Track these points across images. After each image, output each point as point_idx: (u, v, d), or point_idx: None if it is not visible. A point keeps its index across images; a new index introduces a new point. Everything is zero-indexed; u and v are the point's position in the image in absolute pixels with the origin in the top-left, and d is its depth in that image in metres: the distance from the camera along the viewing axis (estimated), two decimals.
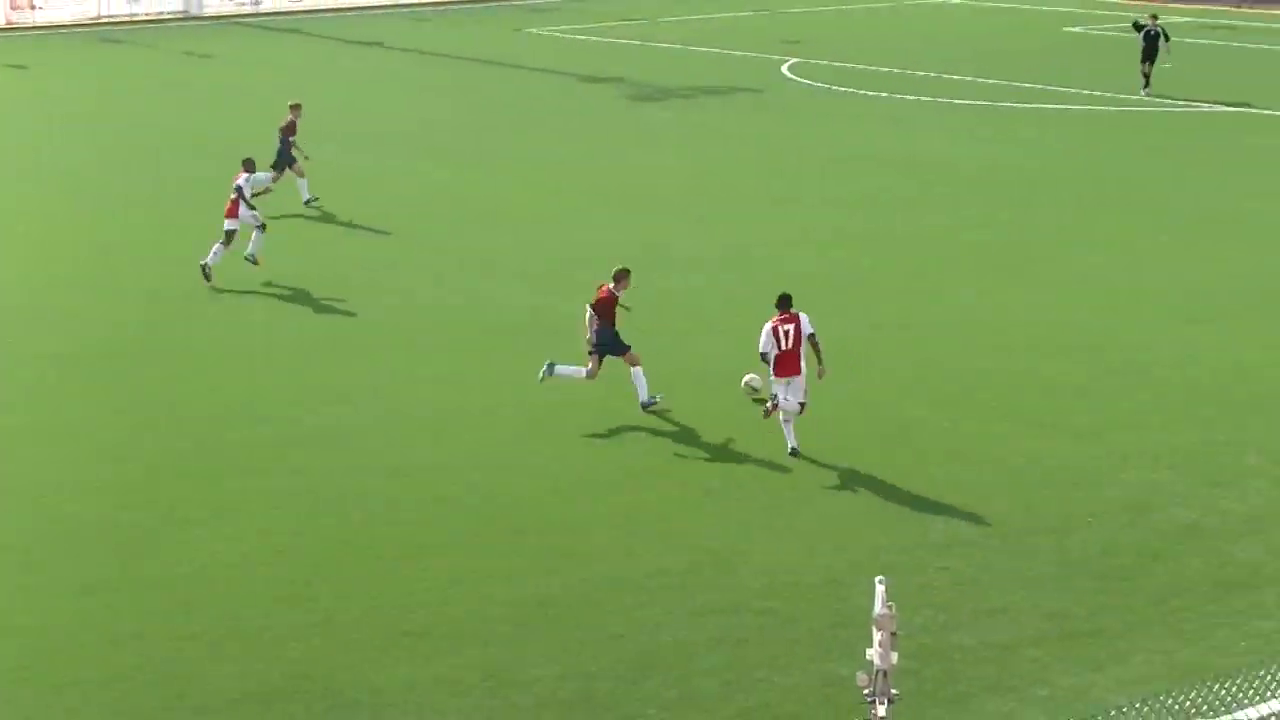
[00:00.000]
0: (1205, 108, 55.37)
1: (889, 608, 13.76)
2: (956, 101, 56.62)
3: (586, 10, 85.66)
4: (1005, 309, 32.24)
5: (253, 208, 35.00)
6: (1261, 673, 15.54)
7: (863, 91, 58.80)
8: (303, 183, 40.71)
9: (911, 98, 57.36)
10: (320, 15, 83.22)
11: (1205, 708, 15.64)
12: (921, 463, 24.62)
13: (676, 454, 25.15)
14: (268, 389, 28.39)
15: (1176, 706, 15.46)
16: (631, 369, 26.82)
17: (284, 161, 40.48)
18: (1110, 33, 76.42)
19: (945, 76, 61.97)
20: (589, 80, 61.50)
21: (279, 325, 32.08)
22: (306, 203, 40.64)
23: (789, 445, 24.95)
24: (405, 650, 19.15)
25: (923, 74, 62.57)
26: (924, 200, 41.68)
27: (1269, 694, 15.66)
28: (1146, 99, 56.47)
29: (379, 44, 72.75)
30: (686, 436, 25.83)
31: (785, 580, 20.66)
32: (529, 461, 24.91)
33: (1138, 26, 58.29)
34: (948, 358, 29.34)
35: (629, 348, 26.85)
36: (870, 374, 28.48)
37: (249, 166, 35.40)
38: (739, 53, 68.76)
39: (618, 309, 26.90)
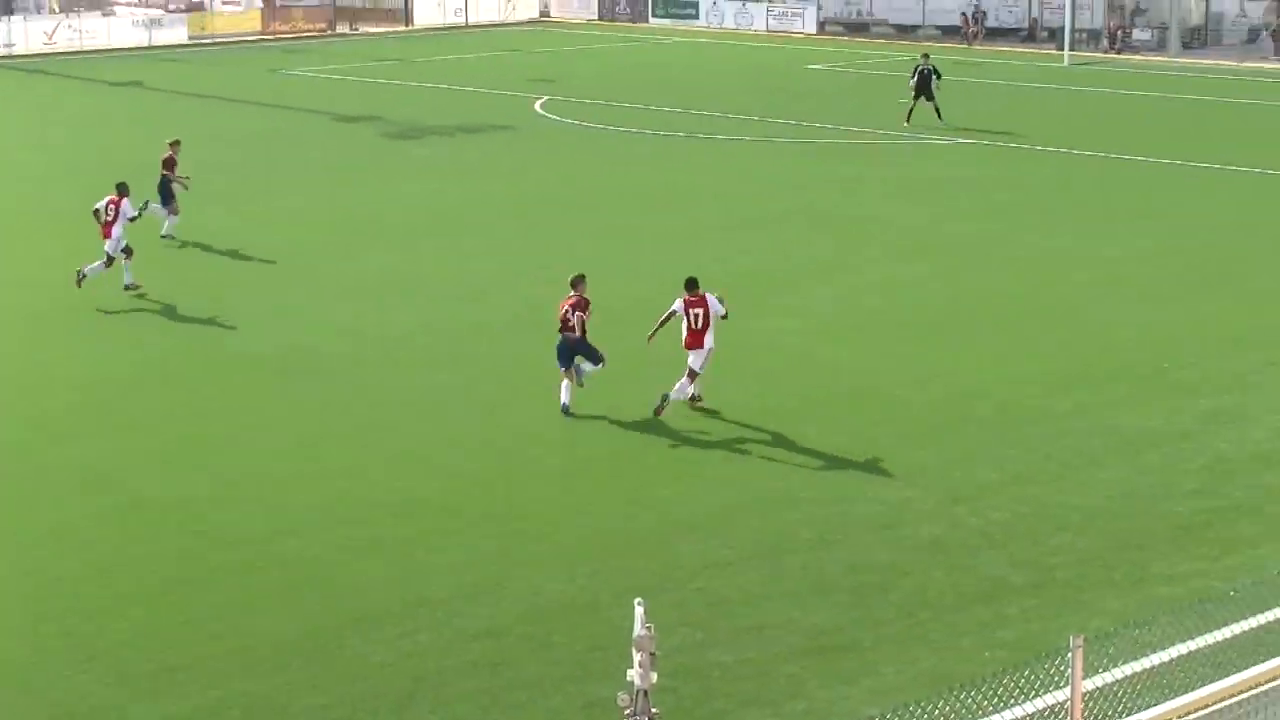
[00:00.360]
0: (948, 140, 56.31)
1: (648, 629, 13.70)
2: (711, 136, 57.06)
3: (342, 52, 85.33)
4: (744, 334, 32.29)
5: (134, 218, 35.78)
6: (1005, 679, 15.73)
7: (612, 127, 59.10)
8: (170, 218, 40.94)
9: (661, 133, 57.71)
10: (78, 57, 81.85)
11: (953, 715, 15.77)
12: (672, 487, 24.64)
13: (435, 483, 24.90)
14: (28, 422, 27.74)
15: (926, 715, 15.58)
16: (578, 368, 27.94)
17: (168, 195, 40.95)
18: (850, 70, 77.57)
19: (693, 112, 62.49)
20: (347, 120, 61.16)
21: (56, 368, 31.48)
22: (164, 236, 40.77)
23: (690, 394, 27.69)
24: (168, 684, 18.67)
25: (670, 109, 63.07)
26: (670, 232, 41.80)
27: (1011, 700, 15.84)
28: (890, 132, 57.41)
29: (139, 84, 71.75)
30: (444, 466, 25.63)
31: (546, 604, 20.54)
32: (288, 496, 24.48)
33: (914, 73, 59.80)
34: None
35: (593, 351, 28.08)
36: (617, 399, 28.52)
37: (124, 190, 35.69)
38: (494, 91, 68.83)
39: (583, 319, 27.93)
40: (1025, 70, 76.96)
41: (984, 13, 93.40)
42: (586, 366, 28.21)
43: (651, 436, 26.72)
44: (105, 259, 35.39)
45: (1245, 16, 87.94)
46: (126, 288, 35.69)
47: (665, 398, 27.62)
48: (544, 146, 55.47)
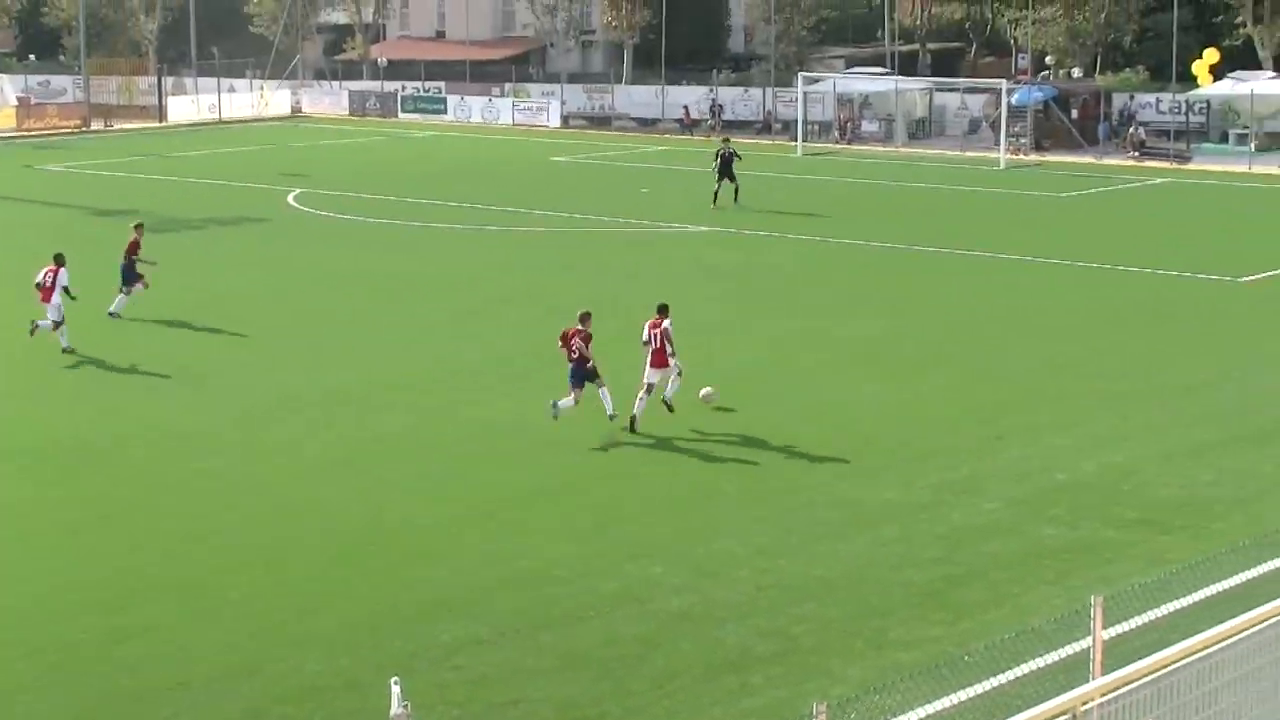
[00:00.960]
0: (683, 228, 56.81)
1: (405, 707, 13.57)
2: (457, 226, 57.09)
3: (97, 148, 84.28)
4: (495, 413, 32.31)
5: (73, 296, 38.03)
6: None
7: (362, 218, 58.94)
8: (121, 297, 42.00)
9: (411, 223, 57.62)
10: None
11: None
12: (431, 567, 24.41)
13: (196, 566, 24.39)
14: None
15: None
16: (600, 390, 31.07)
17: (131, 278, 42.13)
18: (593, 162, 78.12)
19: (441, 203, 62.52)
20: (103, 214, 60.17)
21: None
22: (111, 314, 41.76)
23: (666, 403, 31.75)
24: None
25: (419, 201, 63.07)
26: (409, 319, 41.75)
27: None
28: (631, 220, 57.83)
29: None
30: (207, 549, 25.14)
31: (306, 685, 20.20)
32: (49, 581, 23.80)
33: (717, 155, 62.45)
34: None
35: (598, 375, 31.16)
36: (371, 483, 28.36)
37: (61, 261, 38.51)
38: (248, 185, 68.37)
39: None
40: (761, 160, 78.06)
41: (720, 106, 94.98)
42: (563, 402, 31.07)
43: (409, 517, 26.50)
44: (51, 323, 37.86)
45: (966, 109, 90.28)
46: (64, 350, 37.76)
47: (634, 419, 31.09)
48: (296, 238, 55.12)
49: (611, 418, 30.96)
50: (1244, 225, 59.06)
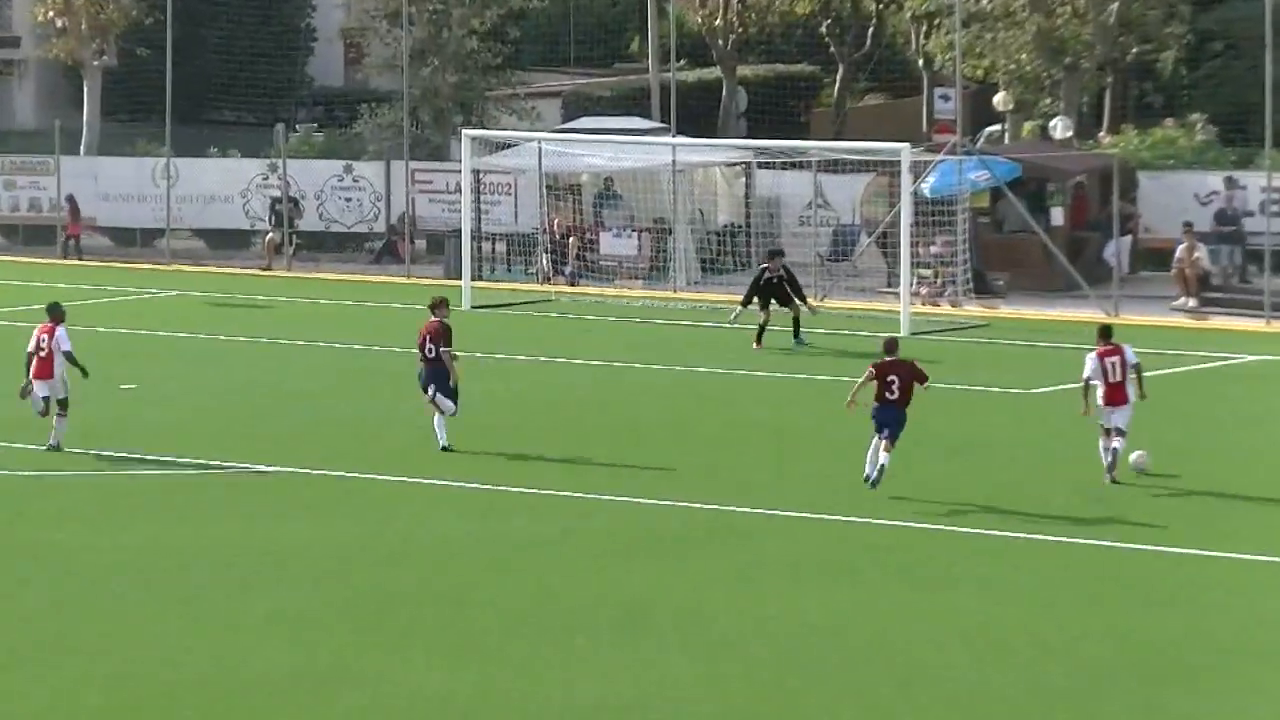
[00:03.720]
0: (203, 466, 53.17)
1: None
2: None
3: None
4: None
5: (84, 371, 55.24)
6: None
7: None
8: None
9: None
10: None
11: None
12: None
13: None
14: None
15: None
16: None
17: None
18: (13, 323, 76.91)
19: None
20: None
21: None
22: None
23: (1106, 468, 48.19)
24: None
25: None
26: None
27: None
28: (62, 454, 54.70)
29: None
30: None
31: None
32: None
33: None
34: None
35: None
36: None
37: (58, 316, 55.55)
38: None
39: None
40: (377, 320, 75.47)
41: (295, 200, 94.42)
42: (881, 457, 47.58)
43: None
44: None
45: (826, 205, 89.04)
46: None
47: (1113, 464, 47.74)
48: None
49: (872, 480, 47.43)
50: None
